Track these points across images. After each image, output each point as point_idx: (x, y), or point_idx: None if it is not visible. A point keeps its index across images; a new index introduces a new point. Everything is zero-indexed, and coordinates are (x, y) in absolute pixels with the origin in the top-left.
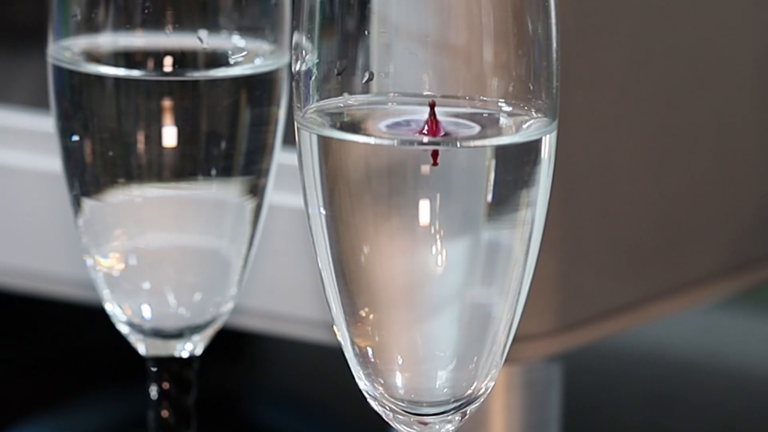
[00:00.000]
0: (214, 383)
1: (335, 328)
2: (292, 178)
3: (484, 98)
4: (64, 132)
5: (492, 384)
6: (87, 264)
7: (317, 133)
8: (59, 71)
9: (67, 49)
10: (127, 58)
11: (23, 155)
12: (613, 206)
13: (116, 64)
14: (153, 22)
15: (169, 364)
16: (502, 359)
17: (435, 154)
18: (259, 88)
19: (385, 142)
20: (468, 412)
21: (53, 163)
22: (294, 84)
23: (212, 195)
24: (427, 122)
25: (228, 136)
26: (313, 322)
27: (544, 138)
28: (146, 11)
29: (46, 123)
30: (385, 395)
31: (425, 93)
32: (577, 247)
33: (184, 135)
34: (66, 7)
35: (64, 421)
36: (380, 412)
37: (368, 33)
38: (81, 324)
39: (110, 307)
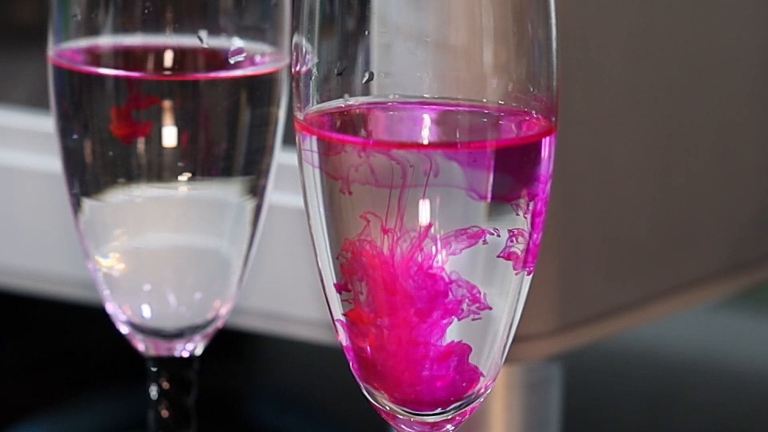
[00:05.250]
0: (214, 383)
1: (335, 328)
2: (292, 178)
3: (484, 98)
4: (64, 132)
5: (492, 384)
6: (87, 264)
7: (317, 133)
8: (59, 71)
9: (68, 50)
10: (127, 59)
11: (23, 155)
12: (613, 206)
13: (116, 65)
14: (153, 22)
15: (169, 364)
16: (502, 359)
17: (434, 155)
18: (259, 89)
19: (385, 143)
20: (468, 412)
21: (53, 163)
22: (294, 84)
23: (212, 195)
24: (426, 123)
25: (228, 136)
26: (313, 322)
27: (543, 138)
28: (146, 12)
29: (46, 123)
30: (385, 395)
31: (425, 93)
32: (577, 247)
33: (184, 135)
34: (66, 8)
35: (64, 421)
36: (380, 412)
37: (368, 33)
38: (81, 324)
39: (110, 307)
